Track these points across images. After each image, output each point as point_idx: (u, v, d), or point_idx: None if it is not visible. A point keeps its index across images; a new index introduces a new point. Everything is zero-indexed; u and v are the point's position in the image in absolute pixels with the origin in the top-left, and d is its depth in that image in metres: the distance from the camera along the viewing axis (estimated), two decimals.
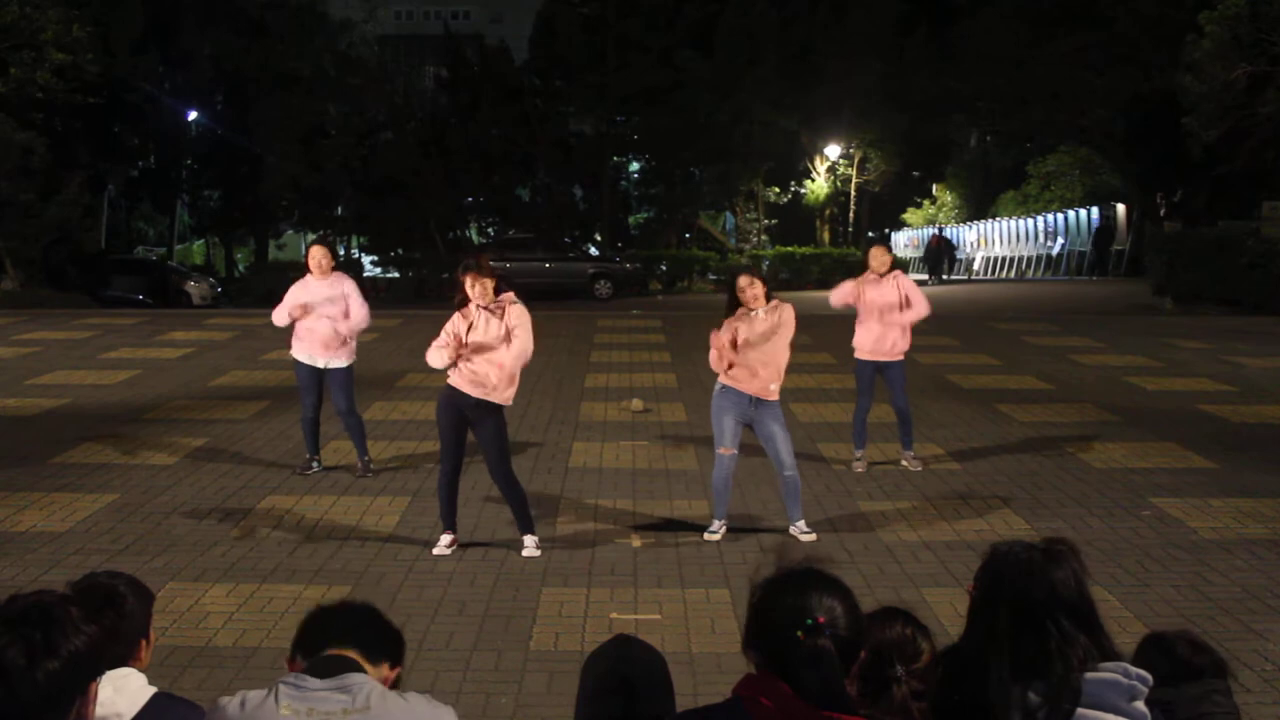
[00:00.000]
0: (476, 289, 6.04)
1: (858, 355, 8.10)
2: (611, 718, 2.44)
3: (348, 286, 7.88)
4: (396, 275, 36.82)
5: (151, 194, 40.58)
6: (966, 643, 2.38)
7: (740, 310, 6.40)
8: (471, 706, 4.33)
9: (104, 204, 34.22)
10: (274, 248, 45.25)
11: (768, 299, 6.39)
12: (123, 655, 2.41)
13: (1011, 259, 38.80)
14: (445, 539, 6.20)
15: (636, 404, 10.29)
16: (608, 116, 37.21)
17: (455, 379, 6.09)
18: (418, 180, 35.36)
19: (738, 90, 34.11)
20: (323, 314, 7.76)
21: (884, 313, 7.86)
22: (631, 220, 41.74)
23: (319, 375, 7.86)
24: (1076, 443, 8.93)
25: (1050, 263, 36.45)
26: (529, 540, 6.24)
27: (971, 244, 42.84)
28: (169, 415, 10.01)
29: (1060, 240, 36.29)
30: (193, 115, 36.97)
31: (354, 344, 7.96)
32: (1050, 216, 37.62)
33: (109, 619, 2.36)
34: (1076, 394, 11.24)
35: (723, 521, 6.54)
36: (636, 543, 6.45)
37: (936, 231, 38.08)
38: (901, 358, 8.01)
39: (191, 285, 29.55)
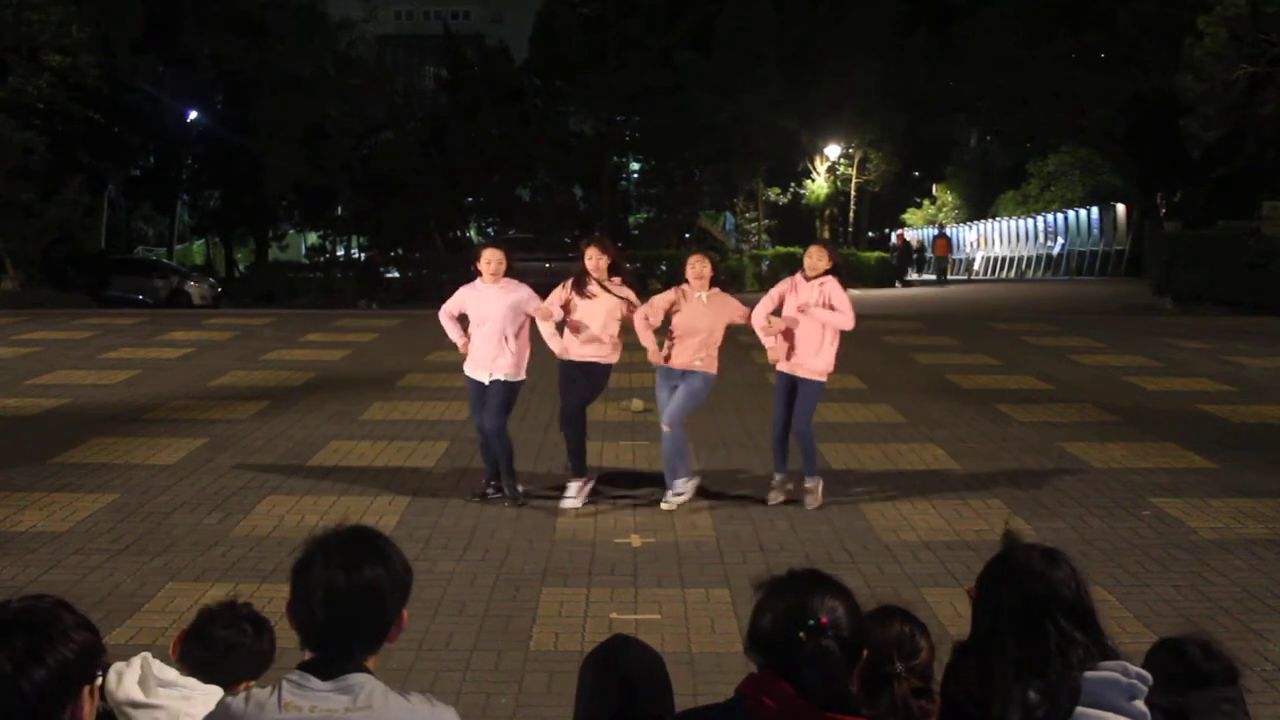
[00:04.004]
0: (594, 261, 6.94)
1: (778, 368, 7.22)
2: (610, 717, 2.45)
3: (525, 295, 7.17)
4: (396, 275, 36.82)
5: (151, 194, 40.60)
6: (969, 641, 2.39)
7: (685, 287, 7.01)
8: (471, 706, 4.33)
9: (104, 204, 34.22)
10: (275, 248, 45.27)
11: (711, 284, 7.00)
12: (245, 675, 2.66)
13: (1011, 259, 38.83)
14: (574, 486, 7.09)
15: (636, 404, 10.29)
16: (608, 116, 37.22)
17: (567, 352, 7.02)
18: (418, 180, 35.36)
19: (738, 90, 34.10)
20: (493, 323, 7.06)
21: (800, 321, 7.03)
22: (631, 220, 41.76)
23: (483, 390, 7.16)
24: (1076, 443, 8.93)
25: (1050, 263, 36.47)
26: (573, 486, 7.09)
27: (971, 244, 42.86)
28: (169, 415, 10.01)
29: (1060, 240, 36.31)
30: (193, 115, 36.97)
31: (523, 359, 7.17)
32: (1050, 216, 37.65)
33: (265, 639, 2.74)
34: (1076, 394, 11.24)
35: (678, 491, 7.05)
36: (636, 543, 6.45)
37: (900, 232, 37.66)
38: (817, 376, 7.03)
39: (191, 285, 29.59)
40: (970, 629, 2.41)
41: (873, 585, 5.63)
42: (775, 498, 7.15)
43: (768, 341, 7.10)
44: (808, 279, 7.00)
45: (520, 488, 7.22)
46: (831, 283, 6.96)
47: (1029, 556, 2.35)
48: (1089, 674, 2.21)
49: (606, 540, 6.49)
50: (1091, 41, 29.70)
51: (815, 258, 6.99)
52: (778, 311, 7.05)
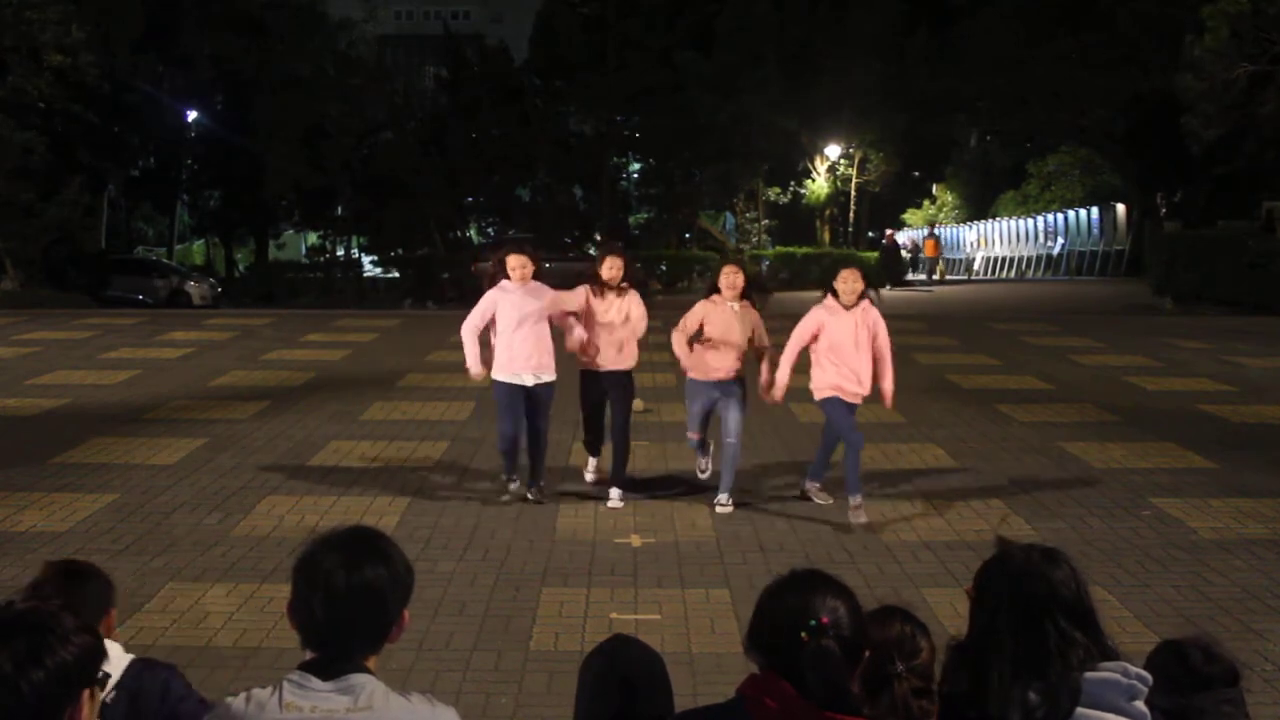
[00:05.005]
0: (614, 270, 7.08)
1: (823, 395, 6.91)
2: (610, 717, 2.45)
3: (553, 296, 7.15)
4: (397, 275, 36.82)
5: (151, 194, 40.61)
6: (968, 642, 2.38)
7: (716, 297, 7.04)
8: (471, 706, 4.33)
9: (104, 204, 34.22)
10: (274, 248, 45.26)
11: (742, 296, 7.03)
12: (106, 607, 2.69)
13: (1011, 259, 38.83)
14: (592, 462, 7.59)
15: (637, 404, 10.25)
16: (608, 116, 37.22)
17: (590, 361, 7.16)
18: (418, 180, 35.37)
19: (738, 90, 34.10)
20: (528, 326, 7.02)
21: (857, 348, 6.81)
22: (631, 220, 41.75)
23: (523, 394, 7.07)
24: (1076, 443, 8.93)
25: (1050, 263, 36.47)
26: (615, 493, 7.19)
27: (971, 244, 42.85)
28: (169, 415, 10.01)
29: (1060, 240, 36.31)
30: (193, 115, 36.98)
31: (550, 360, 7.18)
32: (1050, 216, 37.66)
33: (82, 590, 2.61)
34: (1076, 394, 11.24)
35: (708, 457, 7.48)
36: (636, 543, 6.45)
37: (890, 232, 36.60)
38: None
39: (191, 285, 29.60)
40: (967, 628, 2.41)
41: (873, 585, 5.64)
42: (861, 516, 6.78)
43: (783, 377, 6.92)
44: (846, 306, 6.72)
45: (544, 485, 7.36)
46: (872, 310, 6.80)
47: (1028, 556, 2.34)
48: (1089, 674, 2.21)
49: (606, 540, 6.49)
50: (1091, 41, 29.68)
51: (852, 281, 6.72)
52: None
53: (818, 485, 7.27)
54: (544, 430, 7.25)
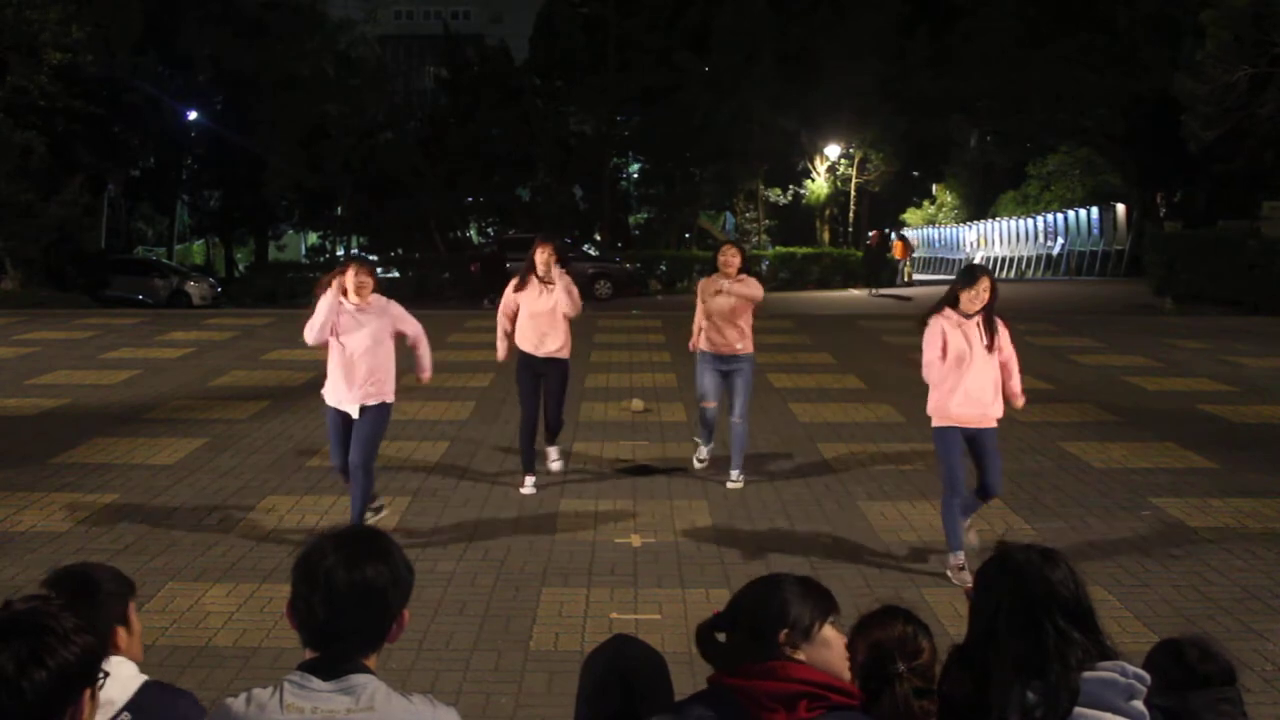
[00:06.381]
0: (544, 258, 7.34)
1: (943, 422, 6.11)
2: (610, 716, 2.46)
3: (395, 311, 6.37)
4: (397, 275, 36.76)
5: (151, 194, 40.59)
6: (968, 642, 2.39)
7: (715, 275, 7.49)
8: (471, 706, 4.33)
9: (104, 204, 34.21)
10: (274, 248, 45.26)
11: (739, 272, 7.43)
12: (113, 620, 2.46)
13: (1011, 259, 38.84)
14: (529, 480, 7.44)
15: (636, 404, 10.29)
16: (608, 116, 37.23)
17: (524, 345, 7.45)
18: (418, 180, 35.35)
19: (738, 90, 34.11)
20: (365, 350, 6.21)
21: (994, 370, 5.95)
22: (631, 220, 41.75)
23: (349, 423, 6.29)
24: (1076, 443, 8.93)
25: (1050, 263, 36.47)
26: (553, 451, 7.83)
27: (971, 244, 42.86)
28: (169, 415, 10.01)
29: (1060, 240, 36.31)
30: (193, 115, 36.97)
31: (393, 379, 6.39)
32: (1050, 216, 37.67)
33: (82, 606, 2.30)
34: (1076, 394, 11.24)
35: (709, 446, 7.80)
36: (636, 542, 6.45)
37: (877, 231, 34.79)
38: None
39: (191, 285, 29.60)
40: (967, 629, 2.41)
41: (873, 585, 5.64)
42: (966, 579, 5.53)
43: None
44: (968, 315, 5.82)
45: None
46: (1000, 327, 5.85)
47: (1027, 557, 2.35)
48: (1087, 674, 2.21)
49: (606, 540, 6.49)
50: (1091, 42, 29.71)
51: (985, 287, 5.77)
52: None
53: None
54: (362, 462, 6.21)
